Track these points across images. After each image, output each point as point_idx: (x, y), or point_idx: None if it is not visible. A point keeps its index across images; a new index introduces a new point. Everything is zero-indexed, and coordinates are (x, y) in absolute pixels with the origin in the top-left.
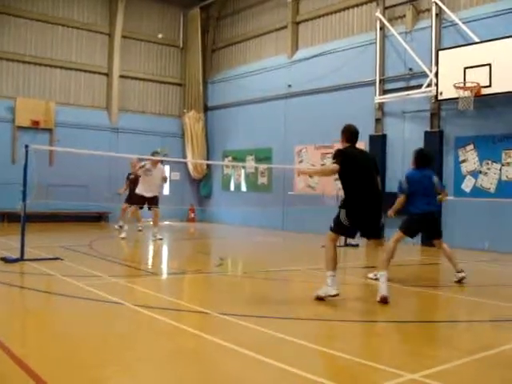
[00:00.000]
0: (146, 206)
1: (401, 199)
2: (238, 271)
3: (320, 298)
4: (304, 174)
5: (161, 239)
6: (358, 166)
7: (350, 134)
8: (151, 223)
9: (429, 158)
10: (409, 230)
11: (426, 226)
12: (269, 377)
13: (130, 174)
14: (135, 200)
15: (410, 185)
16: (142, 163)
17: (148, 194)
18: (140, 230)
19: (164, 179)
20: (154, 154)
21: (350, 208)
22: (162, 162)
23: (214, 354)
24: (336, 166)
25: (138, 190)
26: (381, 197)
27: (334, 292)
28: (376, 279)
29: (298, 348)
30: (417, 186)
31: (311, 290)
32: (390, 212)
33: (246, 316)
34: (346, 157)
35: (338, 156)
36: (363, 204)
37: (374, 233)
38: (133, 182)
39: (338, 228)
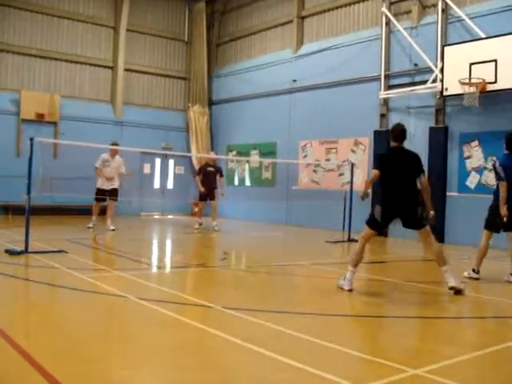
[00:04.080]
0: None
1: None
2: (242, 265)
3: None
4: (366, 192)
5: (113, 230)
6: (392, 169)
7: (394, 133)
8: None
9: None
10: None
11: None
12: (271, 370)
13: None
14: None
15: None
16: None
17: (108, 187)
18: (90, 227)
19: (121, 175)
20: (113, 144)
21: (383, 204)
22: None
23: (217, 348)
24: (376, 172)
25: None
26: (414, 193)
27: (346, 287)
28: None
29: (301, 342)
30: None
31: (314, 285)
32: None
33: (250, 310)
34: (383, 161)
35: (377, 160)
36: (393, 201)
37: (413, 223)
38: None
39: (372, 220)
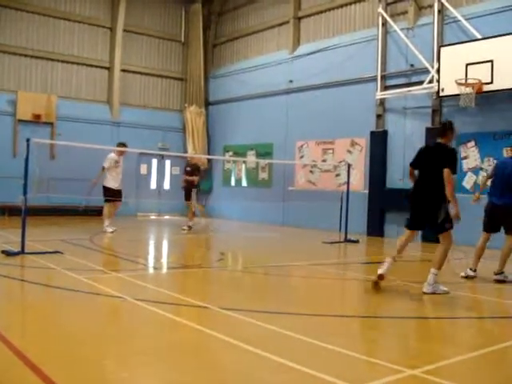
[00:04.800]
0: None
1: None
2: (239, 266)
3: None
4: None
5: (112, 232)
6: (419, 164)
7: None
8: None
9: None
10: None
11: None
12: (269, 371)
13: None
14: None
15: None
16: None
17: (118, 187)
18: (112, 231)
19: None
20: (120, 145)
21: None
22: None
23: (214, 348)
24: (410, 169)
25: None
26: (436, 191)
27: (379, 271)
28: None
29: (297, 343)
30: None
31: (311, 286)
32: None
33: (246, 311)
34: (415, 157)
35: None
36: (412, 198)
37: (433, 226)
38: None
39: (406, 220)
